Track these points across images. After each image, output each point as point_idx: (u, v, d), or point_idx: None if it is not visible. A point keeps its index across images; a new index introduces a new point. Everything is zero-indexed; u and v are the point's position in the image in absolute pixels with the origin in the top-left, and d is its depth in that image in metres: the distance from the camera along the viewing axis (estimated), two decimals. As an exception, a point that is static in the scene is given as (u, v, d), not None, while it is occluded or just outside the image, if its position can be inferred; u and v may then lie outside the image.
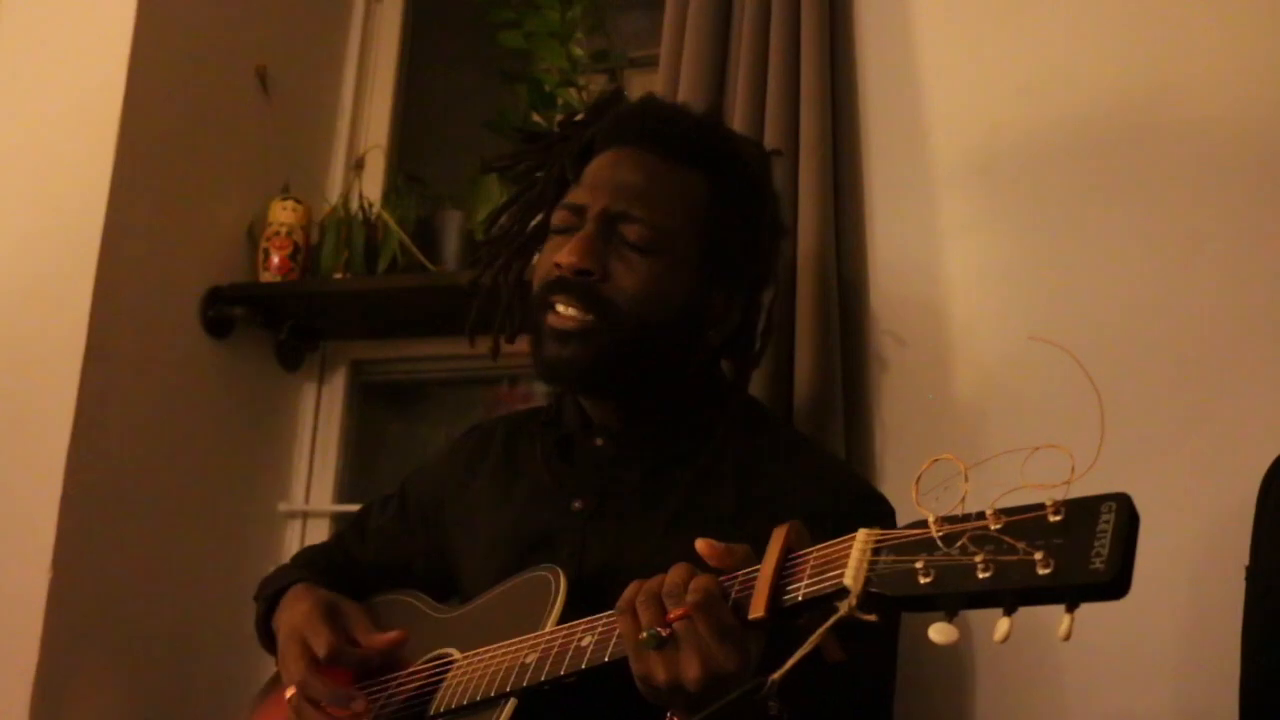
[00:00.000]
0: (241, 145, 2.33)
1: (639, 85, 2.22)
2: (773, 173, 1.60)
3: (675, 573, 1.04)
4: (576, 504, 1.42)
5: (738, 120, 1.84)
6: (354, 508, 2.31)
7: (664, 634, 1.00)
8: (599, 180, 1.42)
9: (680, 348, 1.41)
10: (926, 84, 1.90)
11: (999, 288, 1.81)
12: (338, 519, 2.36)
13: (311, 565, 1.61)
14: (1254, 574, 1.45)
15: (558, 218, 1.43)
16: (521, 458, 1.52)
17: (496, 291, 1.60)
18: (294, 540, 2.36)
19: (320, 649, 1.35)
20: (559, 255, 1.36)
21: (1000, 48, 1.88)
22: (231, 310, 2.25)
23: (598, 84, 2.18)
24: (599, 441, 1.45)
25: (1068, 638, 0.76)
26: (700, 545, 1.05)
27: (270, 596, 1.52)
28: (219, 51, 2.28)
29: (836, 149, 1.86)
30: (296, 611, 1.42)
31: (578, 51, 2.18)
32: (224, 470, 2.26)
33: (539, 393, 2.48)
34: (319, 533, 2.36)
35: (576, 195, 1.43)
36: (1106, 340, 1.72)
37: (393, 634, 1.38)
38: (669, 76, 1.94)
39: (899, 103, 1.90)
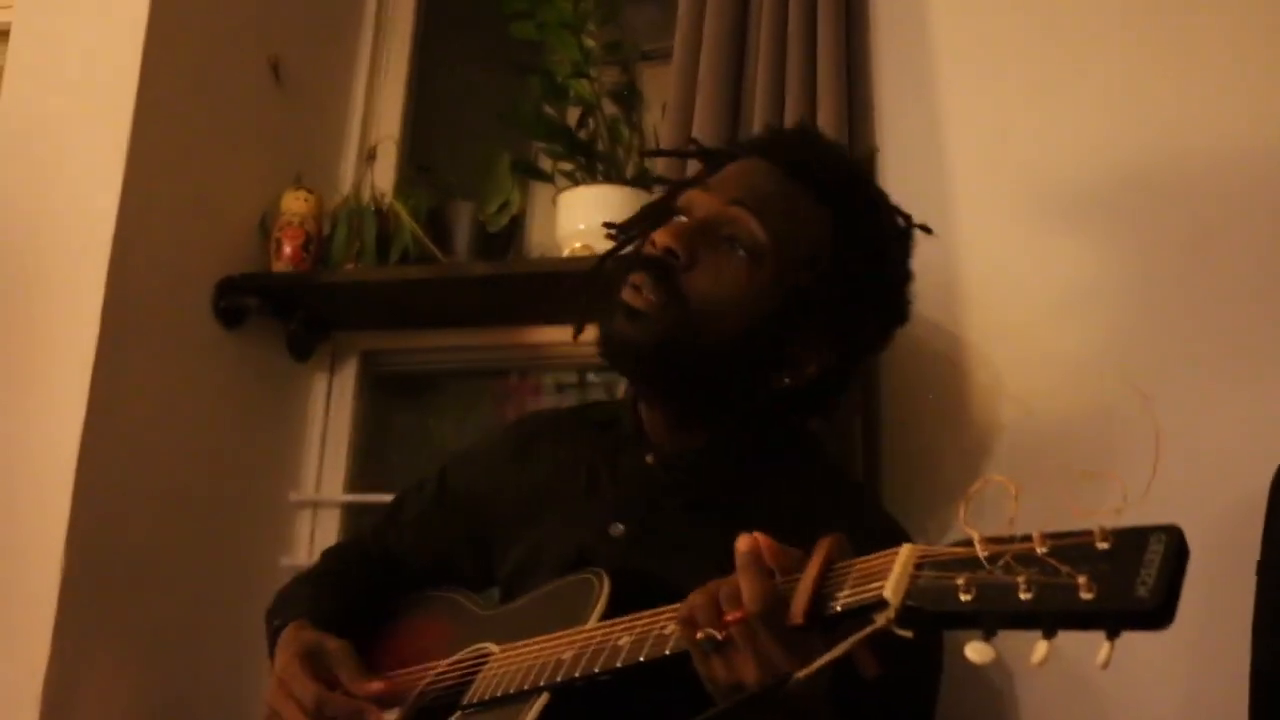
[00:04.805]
0: (254, 136, 2.32)
1: (651, 78, 2.21)
2: (911, 253, 1.45)
3: (735, 577, 1.02)
4: (618, 528, 1.37)
5: (755, 116, 1.84)
6: (364, 498, 2.34)
7: (720, 638, 1.00)
8: (727, 180, 1.38)
9: (742, 373, 1.34)
10: (942, 84, 1.90)
11: (1013, 290, 1.81)
12: (348, 509, 2.37)
13: (320, 582, 1.57)
14: (1265, 569, 1.46)
15: (677, 202, 1.39)
16: (569, 464, 1.48)
17: (602, 275, 1.47)
18: (304, 529, 2.36)
19: (306, 702, 1.33)
20: (656, 234, 1.33)
21: (1015, 45, 1.88)
22: (243, 300, 2.24)
23: (610, 76, 2.18)
24: (649, 459, 1.41)
25: (1106, 665, 0.75)
26: (756, 541, 1.02)
27: (276, 629, 1.49)
28: (232, 42, 2.28)
29: (851, 144, 1.85)
30: (280, 660, 1.40)
31: (590, 43, 2.18)
32: (235, 460, 2.26)
33: (548, 386, 2.48)
34: (329, 522, 2.36)
35: (701, 188, 1.39)
36: (1119, 335, 1.72)
37: (377, 684, 1.34)
38: (683, 69, 1.93)
39: (915, 101, 1.91)
